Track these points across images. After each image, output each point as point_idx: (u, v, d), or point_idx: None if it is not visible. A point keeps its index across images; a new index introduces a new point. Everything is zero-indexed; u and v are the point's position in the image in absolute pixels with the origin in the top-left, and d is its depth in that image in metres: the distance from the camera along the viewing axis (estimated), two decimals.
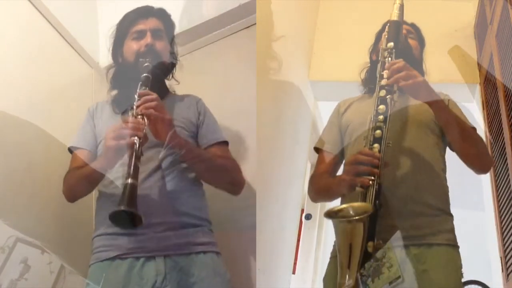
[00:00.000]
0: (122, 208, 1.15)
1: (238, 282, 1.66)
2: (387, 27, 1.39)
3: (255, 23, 1.80)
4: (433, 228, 1.29)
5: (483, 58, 2.29)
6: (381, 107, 1.27)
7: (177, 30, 1.88)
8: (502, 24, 1.93)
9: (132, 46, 1.50)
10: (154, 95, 1.34)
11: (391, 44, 1.34)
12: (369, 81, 1.55)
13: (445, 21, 2.51)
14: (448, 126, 1.34)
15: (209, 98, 1.90)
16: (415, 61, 1.47)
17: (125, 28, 1.53)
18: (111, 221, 1.19)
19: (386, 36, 1.37)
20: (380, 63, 1.34)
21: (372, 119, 1.27)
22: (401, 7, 1.39)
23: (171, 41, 1.59)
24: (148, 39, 1.48)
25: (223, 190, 1.51)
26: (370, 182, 1.19)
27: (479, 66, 2.38)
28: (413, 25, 1.58)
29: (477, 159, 1.36)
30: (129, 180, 1.19)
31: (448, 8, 2.54)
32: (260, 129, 1.75)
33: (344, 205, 1.20)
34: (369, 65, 1.59)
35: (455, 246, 1.31)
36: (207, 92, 1.92)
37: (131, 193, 1.18)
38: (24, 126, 1.59)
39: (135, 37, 1.51)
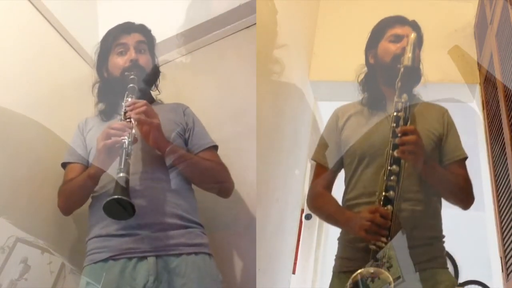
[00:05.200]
0: (115, 196, 1.20)
1: (238, 282, 1.67)
2: (400, 73, 1.37)
3: (255, 23, 1.80)
4: None
5: (483, 58, 2.29)
6: (394, 167, 1.31)
7: (177, 30, 1.89)
8: (502, 24, 1.93)
9: (117, 62, 1.57)
10: (143, 101, 1.41)
11: (405, 96, 1.35)
12: (367, 87, 1.55)
13: (445, 21, 2.51)
14: (435, 185, 1.41)
15: (209, 98, 1.91)
16: (416, 72, 1.47)
17: (109, 44, 1.60)
18: (106, 213, 1.23)
19: (399, 85, 1.36)
20: (394, 115, 1.34)
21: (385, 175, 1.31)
22: (414, 48, 1.39)
23: (153, 54, 1.66)
24: (132, 54, 1.56)
25: (213, 192, 1.54)
26: (383, 244, 1.26)
27: (479, 66, 2.38)
28: (413, 24, 1.53)
29: (458, 203, 1.44)
30: (121, 174, 1.26)
31: (448, 8, 2.53)
32: (260, 129, 1.75)
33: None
34: (365, 69, 1.56)
35: None
36: (207, 92, 1.93)
37: (122, 184, 1.24)
38: (26, 124, 1.59)
39: (119, 52, 1.57)
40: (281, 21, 2.02)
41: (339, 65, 2.46)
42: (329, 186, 1.53)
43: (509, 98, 1.80)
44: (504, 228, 1.85)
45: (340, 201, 1.49)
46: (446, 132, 1.47)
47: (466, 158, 1.47)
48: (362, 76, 1.56)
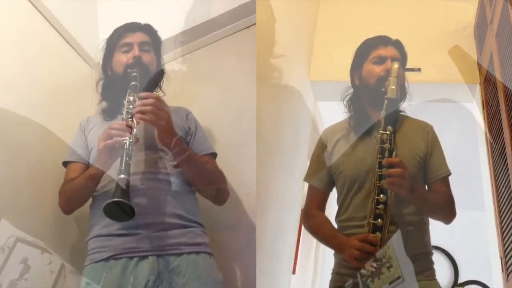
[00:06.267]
0: (115, 199, 1.20)
1: (238, 282, 1.67)
2: (384, 104, 1.39)
3: (255, 23, 1.80)
4: None
5: (483, 58, 2.29)
6: (381, 196, 1.35)
7: (177, 30, 1.88)
8: (502, 24, 1.93)
9: (121, 59, 1.57)
10: (154, 95, 1.40)
11: (390, 128, 1.37)
12: (353, 109, 1.56)
13: (445, 21, 2.51)
14: (420, 208, 1.44)
15: (209, 98, 1.90)
16: (402, 90, 1.49)
17: (114, 41, 1.60)
18: (106, 215, 1.23)
19: (384, 117, 1.38)
20: (379, 147, 1.37)
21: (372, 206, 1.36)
22: (398, 78, 1.40)
23: (158, 55, 1.65)
24: (135, 51, 1.56)
25: (209, 199, 1.55)
26: (373, 269, 1.30)
27: (479, 66, 2.38)
28: (397, 44, 1.54)
29: (441, 220, 1.48)
30: (121, 176, 1.26)
31: (448, 8, 2.54)
32: (260, 130, 1.75)
33: None
34: (351, 90, 1.58)
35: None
36: (207, 92, 1.93)
37: (122, 186, 1.24)
38: (26, 125, 1.59)
39: (123, 50, 1.58)
40: (281, 21, 2.02)
41: (339, 65, 2.45)
42: (321, 206, 1.58)
43: (509, 98, 1.81)
44: (504, 228, 1.85)
45: (332, 219, 1.54)
46: (431, 150, 1.49)
47: (449, 175, 1.50)
48: (348, 97, 1.59)
